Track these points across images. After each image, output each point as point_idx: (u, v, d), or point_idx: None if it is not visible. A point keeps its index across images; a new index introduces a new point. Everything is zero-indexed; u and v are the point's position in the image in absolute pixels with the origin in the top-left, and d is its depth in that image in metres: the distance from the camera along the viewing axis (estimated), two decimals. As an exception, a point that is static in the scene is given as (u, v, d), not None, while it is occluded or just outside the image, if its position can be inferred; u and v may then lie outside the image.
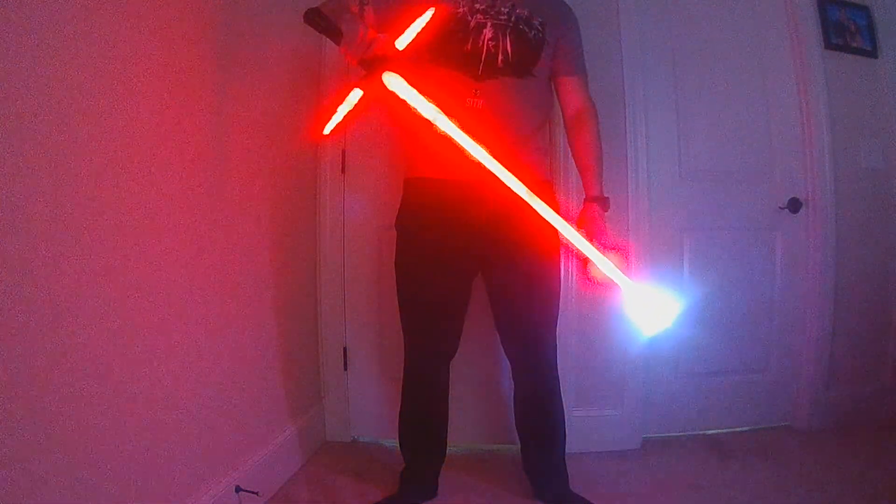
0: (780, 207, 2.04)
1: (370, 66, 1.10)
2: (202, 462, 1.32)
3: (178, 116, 1.22)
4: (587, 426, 1.90)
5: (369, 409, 2.01)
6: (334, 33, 1.11)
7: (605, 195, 1.48)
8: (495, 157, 1.14)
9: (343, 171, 1.98)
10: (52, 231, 0.92)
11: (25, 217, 0.87)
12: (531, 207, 1.19)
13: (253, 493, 1.43)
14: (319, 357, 1.99)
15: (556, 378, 1.53)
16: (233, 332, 1.46)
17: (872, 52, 2.14)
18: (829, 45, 2.06)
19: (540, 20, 1.41)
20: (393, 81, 1.07)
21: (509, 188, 1.14)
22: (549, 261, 1.48)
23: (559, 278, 1.52)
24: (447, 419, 1.58)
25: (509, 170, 1.15)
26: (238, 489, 1.41)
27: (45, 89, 0.89)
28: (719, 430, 2.06)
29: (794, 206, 2.03)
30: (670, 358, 2.02)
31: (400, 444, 1.59)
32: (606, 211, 1.47)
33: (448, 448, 1.62)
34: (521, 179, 1.18)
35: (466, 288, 1.51)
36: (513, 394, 1.59)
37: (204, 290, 1.33)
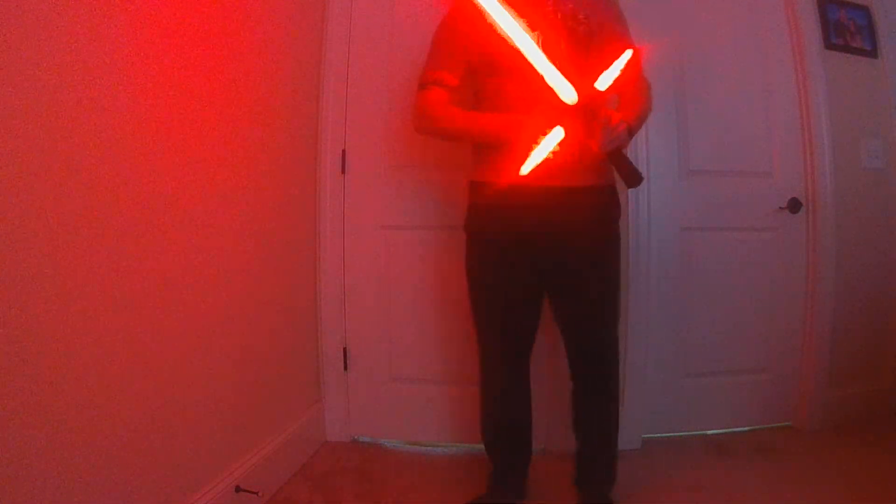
0: (780, 207, 2.04)
1: (586, 114, 1.22)
2: (202, 462, 1.32)
3: (178, 115, 1.22)
4: (587, 426, 1.90)
5: (369, 409, 2.01)
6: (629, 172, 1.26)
7: (633, 128, 1.32)
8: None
9: (343, 171, 1.98)
10: (51, 229, 0.92)
11: (25, 214, 0.87)
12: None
13: (253, 493, 1.43)
14: (319, 357, 1.98)
15: (617, 380, 1.50)
16: (232, 332, 1.46)
17: (872, 52, 2.13)
18: (829, 45, 2.06)
19: (584, 13, 1.38)
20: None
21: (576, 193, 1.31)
22: (615, 266, 1.46)
23: (619, 279, 1.48)
24: (530, 419, 1.54)
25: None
26: (238, 489, 1.41)
27: (42, 83, 0.89)
28: (719, 430, 2.06)
29: (794, 206, 2.03)
30: (670, 358, 2.02)
31: (484, 446, 1.56)
32: (626, 135, 1.29)
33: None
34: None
35: (539, 287, 1.46)
36: (571, 393, 1.55)
37: (203, 290, 1.33)
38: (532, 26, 1.30)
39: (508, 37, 1.20)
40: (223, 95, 1.39)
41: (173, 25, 1.19)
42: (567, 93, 1.23)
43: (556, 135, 1.23)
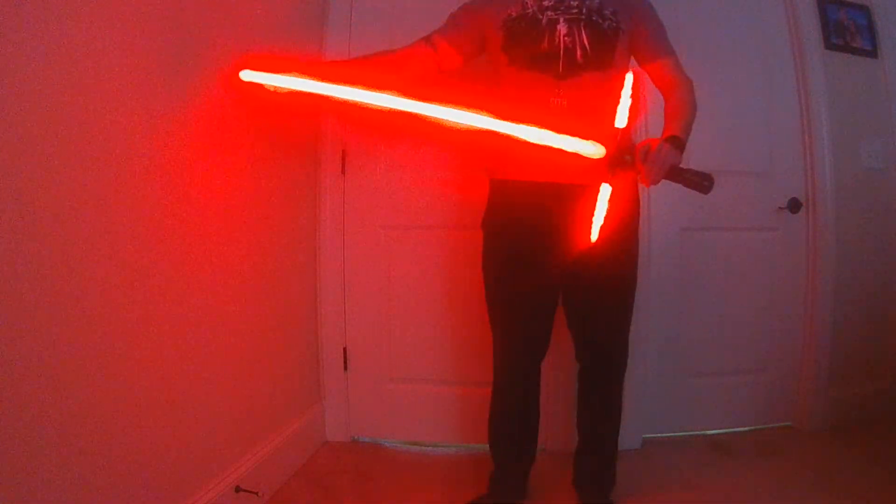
0: (780, 207, 2.04)
1: (621, 158, 1.20)
2: (202, 462, 1.32)
3: (179, 118, 1.23)
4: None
5: (369, 409, 2.01)
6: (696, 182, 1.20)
7: (682, 137, 1.26)
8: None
9: (343, 172, 1.98)
10: (53, 231, 0.92)
11: (29, 217, 0.87)
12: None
13: (253, 493, 1.43)
14: (319, 357, 1.99)
15: (622, 381, 1.50)
16: (233, 332, 1.46)
17: (872, 52, 2.14)
18: (829, 45, 2.06)
19: (612, 9, 1.36)
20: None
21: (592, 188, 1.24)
22: (632, 266, 1.45)
23: (635, 280, 1.47)
24: (538, 420, 1.54)
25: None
26: (238, 489, 1.41)
27: (60, 94, 0.90)
28: (719, 430, 2.06)
29: (794, 206, 2.03)
30: (670, 358, 2.02)
31: (489, 445, 1.55)
32: (678, 151, 1.23)
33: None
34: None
35: (554, 288, 1.45)
36: (577, 392, 1.56)
37: (204, 290, 1.33)
38: (553, 21, 1.33)
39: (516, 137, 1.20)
40: (220, 97, 1.39)
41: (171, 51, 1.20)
42: (592, 150, 1.20)
43: (607, 192, 1.22)
